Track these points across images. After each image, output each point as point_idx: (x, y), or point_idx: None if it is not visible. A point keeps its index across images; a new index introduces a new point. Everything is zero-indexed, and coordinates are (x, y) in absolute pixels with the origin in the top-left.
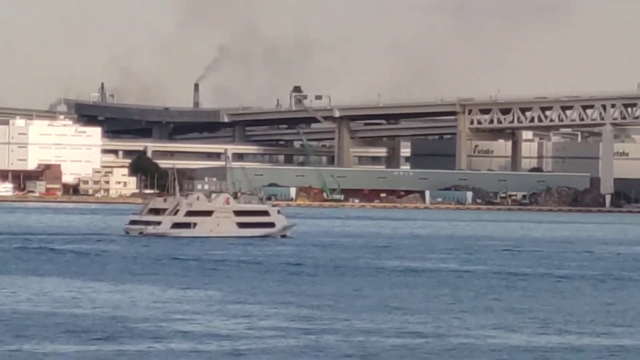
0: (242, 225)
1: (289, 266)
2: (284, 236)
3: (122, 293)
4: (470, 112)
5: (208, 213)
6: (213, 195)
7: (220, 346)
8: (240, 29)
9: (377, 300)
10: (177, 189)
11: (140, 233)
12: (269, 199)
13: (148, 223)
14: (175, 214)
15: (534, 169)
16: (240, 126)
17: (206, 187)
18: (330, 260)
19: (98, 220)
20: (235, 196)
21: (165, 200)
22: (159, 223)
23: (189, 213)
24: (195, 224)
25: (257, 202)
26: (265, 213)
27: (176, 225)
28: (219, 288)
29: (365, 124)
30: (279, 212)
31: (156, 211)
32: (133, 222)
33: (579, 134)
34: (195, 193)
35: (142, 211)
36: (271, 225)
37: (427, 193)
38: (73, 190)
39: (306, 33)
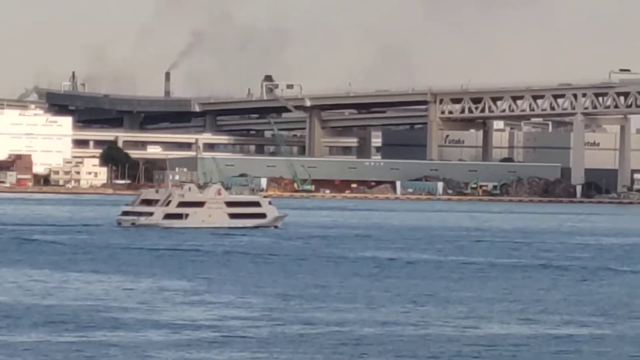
0: (233, 216)
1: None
2: (275, 227)
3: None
4: (441, 101)
5: (200, 204)
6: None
7: None
8: (214, 15)
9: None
10: (169, 179)
11: (133, 224)
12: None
13: (140, 214)
14: (168, 204)
15: (504, 159)
16: (211, 116)
17: (177, 177)
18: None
19: (83, 211)
20: (226, 187)
21: (157, 191)
22: (151, 214)
23: (181, 204)
24: (187, 215)
25: (248, 193)
26: (256, 204)
27: (168, 216)
28: None
29: (336, 114)
30: (270, 203)
31: (148, 202)
32: (125, 213)
33: (550, 123)
34: (187, 184)
35: (134, 202)
36: (262, 216)
37: (398, 184)
38: (44, 180)
39: (279, 21)
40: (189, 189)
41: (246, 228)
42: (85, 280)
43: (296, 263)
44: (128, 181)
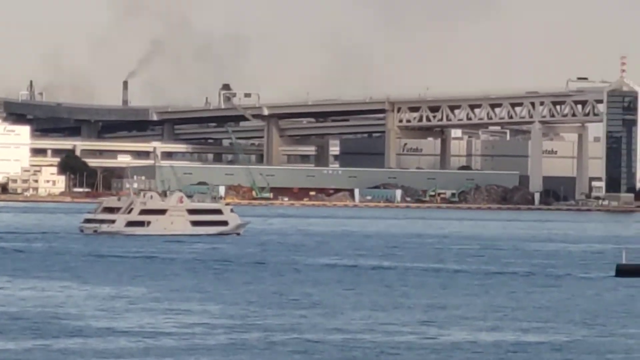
0: (195, 223)
1: None
2: (237, 234)
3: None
4: (399, 110)
5: (162, 212)
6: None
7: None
8: (172, 24)
9: None
10: (132, 187)
11: (95, 231)
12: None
13: (102, 221)
14: (130, 212)
15: (463, 167)
16: (169, 124)
17: (135, 185)
18: None
19: (45, 219)
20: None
21: (119, 199)
22: (113, 221)
23: (143, 211)
24: (149, 223)
25: (210, 201)
26: (218, 211)
27: (130, 224)
28: None
29: (294, 122)
30: (232, 210)
31: (110, 210)
32: (87, 221)
33: (508, 132)
34: (149, 192)
35: (97, 209)
36: (224, 223)
37: (357, 191)
38: (2, 189)
39: (237, 29)
40: (151, 197)
41: (208, 235)
42: (44, 287)
43: (256, 269)
44: (88, 189)
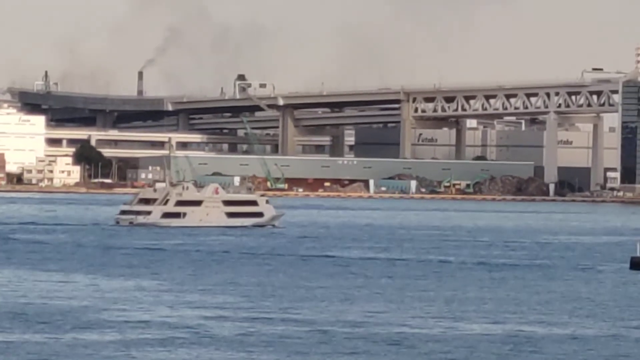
0: (231, 215)
1: None
2: (273, 226)
3: None
4: (414, 100)
5: (197, 203)
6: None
7: None
8: (190, 12)
9: None
10: (167, 178)
11: (131, 223)
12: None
13: (138, 213)
14: (165, 203)
15: (478, 158)
16: (184, 114)
17: (150, 175)
18: None
19: (77, 211)
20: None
21: (155, 190)
22: (149, 213)
23: (179, 203)
24: (185, 214)
25: (245, 192)
26: (253, 203)
27: (166, 215)
28: None
29: (309, 113)
30: (267, 202)
31: (146, 201)
32: (123, 212)
33: (523, 122)
34: (185, 183)
35: (133, 201)
36: (260, 215)
37: (371, 182)
38: (17, 179)
39: (253, 19)
40: (187, 188)
41: (244, 227)
42: (56, 280)
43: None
44: (109, 180)
